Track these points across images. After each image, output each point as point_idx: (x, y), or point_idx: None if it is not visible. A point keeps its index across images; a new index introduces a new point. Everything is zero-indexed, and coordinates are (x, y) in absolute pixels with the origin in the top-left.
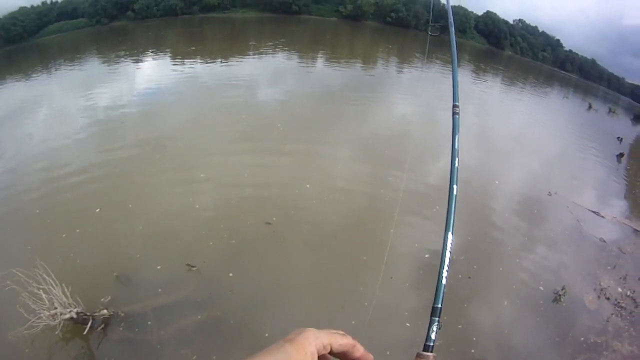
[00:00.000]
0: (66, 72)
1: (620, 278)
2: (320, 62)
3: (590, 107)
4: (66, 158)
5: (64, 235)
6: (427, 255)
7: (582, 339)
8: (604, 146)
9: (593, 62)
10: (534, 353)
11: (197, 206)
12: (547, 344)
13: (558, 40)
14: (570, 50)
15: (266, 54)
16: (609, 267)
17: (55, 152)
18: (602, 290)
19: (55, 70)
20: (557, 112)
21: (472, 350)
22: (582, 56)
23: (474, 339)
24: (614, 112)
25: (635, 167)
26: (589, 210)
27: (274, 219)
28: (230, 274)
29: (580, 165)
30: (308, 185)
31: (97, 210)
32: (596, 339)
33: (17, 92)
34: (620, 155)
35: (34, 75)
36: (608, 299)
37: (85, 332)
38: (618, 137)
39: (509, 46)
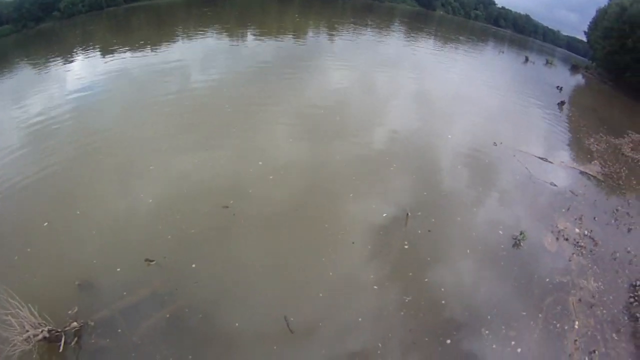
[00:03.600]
0: None
1: (575, 219)
2: (250, 39)
3: (527, 60)
4: (2, 176)
5: (16, 258)
6: (384, 215)
7: (548, 280)
8: (545, 96)
9: (527, 17)
10: (503, 298)
11: (150, 200)
12: (514, 288)
13: None
14: (502, 7)
15: (195, 37)
16: (563, 210)
17: None
18: (559, 232)
19: None
20: (494, 67)
21: (443, 302)
22: (515, 12)
23: (442, 290)
24: (551, 63)
25: (577, 113)
26: (536, 157)
27: (231, 201)
28: (193, 265)
29: (523, 115)
30: (261, 163)
31: (45, 224)
32: (561, 278)
33: None
34: (562, 103)
35: None
36: (567, 239)
37: (60, 350)
38: (557, 87)
39: (440, 6)
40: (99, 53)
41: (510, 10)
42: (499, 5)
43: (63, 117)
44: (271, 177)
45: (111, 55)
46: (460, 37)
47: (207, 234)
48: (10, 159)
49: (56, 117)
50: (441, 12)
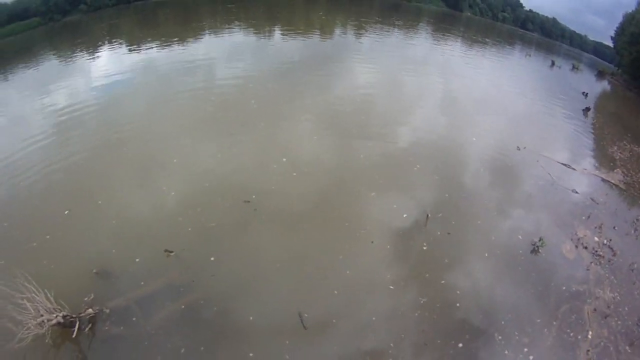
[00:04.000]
0: (23, 75)
1: (595, 227)
2: (277, 36)
3: (553, 64)
4: (27, 163)
5: (34, 244)
6: (405, 215)
7: (564, 287)
8: (570, 101)
9: (554, 20)
10: (518, 303)
11: (172, 193)
12: (530, 295)
13: (518, 0)
14: (530, 10)
15: (222, 32)
16: (583, 218)
17: (16, 158)
18: (579, 239)
19: (12, 74)
20: (521, 70)
21: (457, 304)
22: (542, 15)
23: (458, 292)
24: (577, 68)
25: (602, 120)
26: (559, 163)
27: (254, 196)
28: (212, 258)
29: (548, 120)
30: (284, 159)
31: (66, 212)
32: (578, 287)
33: None
34: (587, 109)
35: None
36: (586, 248)
37: (74, 335)
38: (583, 92)
39: (467, 8)
40: (125, 46)
41: (538, 14)
42: (527, 8)
43: (88, 109)
44: (294, 173)
45: (137, 49)
46: (487, 40)
47: (227, 227)
48: (35, 148)
49: (81, 108)
50: (468, 14)
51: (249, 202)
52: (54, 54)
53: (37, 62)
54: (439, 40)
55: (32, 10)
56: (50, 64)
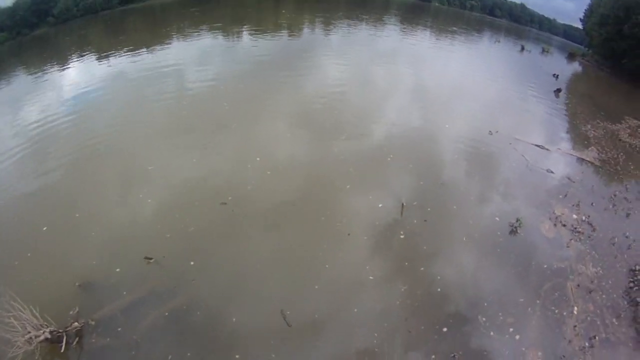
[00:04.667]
0: None
1: (573, 205)
2: (245, 37)
3: (523, 48)
4: (3, 183)
5: (16, 262)
6: (380, 205)
7: (546, 266)
8: (541, 84)
9: (522, 6)
10: (500, 285)
11: (149, 200)
12: (512, 275)
13: None
14: None
15: (190, 37)
16: (560, 196)
17: None
18: (557, 218)
19: None
20: (491, 57)
21: (438, 289)
22: (510, 1)
23: (438, 277)
24: (547, 51)
25: (574, 100)
26: (532, 144)
27: (230, 198)
28: (192, 263)
29: (519, 104)
30: (258, 159)
31: (44, 228)
32: (559, 264)
33: None
34: (558, 90)
35: None
36: (564, 225)
37: (62, 350)
38: (554, 74)
39: None
40: (95, 57)
41: (506, 0)
42: None
43: (60, 123)
44: (269, 172)
45: (107, 59)
46: (456, 28)
47: (205, 231)
48: (8, 166)
49: (53, 122)
50: (436, 4)
51: (225, 204)
52: (23, 69)
53: (7, 78)
54: (407, 32)
55: None
56: (20, 79)
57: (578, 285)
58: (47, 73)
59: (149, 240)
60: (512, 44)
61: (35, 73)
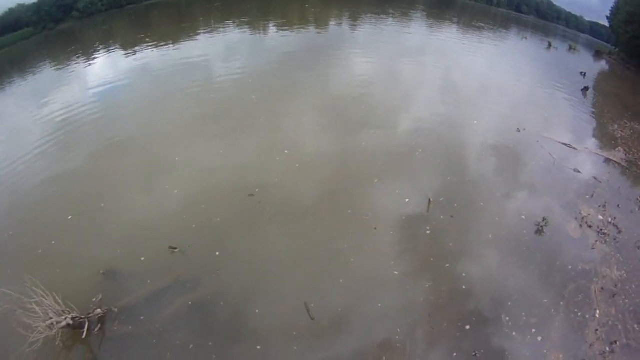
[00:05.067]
0: (20, 85)
1: (599, 206)
2: (272, 31)
3: (550, 45)
4: (28, 173)
5: (40, 251)
6: (407, 200)
7: (570, 267)
8: (568, 82)
9: (549, 2)
10: (524, 284)
11: (176, 191)
12: (536, 275)
13: None
14: None
15: (216, 30)
16: (587, 197)
17: (16, 168)
18: (583, 218)
19: (9, 85)
20: (518, 54)
21: (463, 287)
22: None
23: (463, 275)
24: (574, 49)
25: (601, 99)
26: (560, 143)
27: (257, 190)
28: (217, 253)
29: (547, 101)
30: (287, 151)
31: (69, 217)
32: (584, 266)
33: None
34: (585, 89)
35: None
36: (590, 226)
37: (84, 336)
38: (581, 72)
39: None
40: (120, 51)
41: None
42: None
43: (86, 115)
44: (297, 165)
45: (133, 53)
46: (483, 24)
47: (231, 222)
48: (35, 157)
49: (79, 114)
50: None
51: (252, 195)
52: (49, 63)
53: (33, 72)
54: (434, 28)
55: (24, 20)
56: (46, 73)
57: (602, 288)
58: (72, 66)
59: (175, 231)
60: (539, 40)
61: (61, 67)
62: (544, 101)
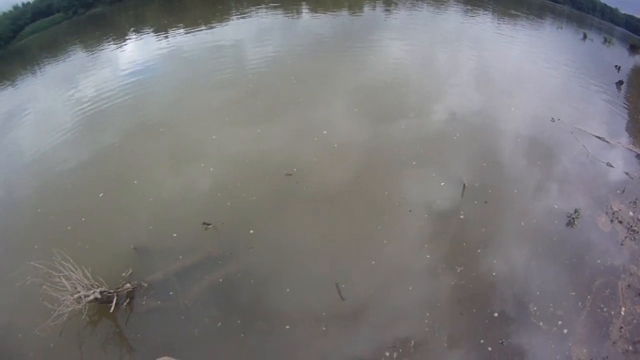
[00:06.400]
0: (51, 69)
1: (630, 202)
2: (305, 14)
3: (585, 37)
4: (60, 152)
5: (69, 228)
6: (442, 184)
7: (599, 261)
8: (603, 75)
9: None
10: (553, 275)
11: (212, 169)
12: (565, 266)
13: None
14: None
15: (249, 13)
16: (618, 191)
17: (48, 147)
18: (614, 213)
19: (40, 70)
20: (553, 43)
21: (493, 273)
22: None
23: (494, 261)
24: (609, 42)
25: (635, 94)
26: (593, 135)
27: (295, 169)
28: (251, 231)
29: (581, 93)
30: (325, 132)
31: (101, 195)
32: (612, 261)
33: (4, 100)
34: (620, 82)
35: (19, 80)
36: (620, 222)
37: (111, 310)
38: (616, 66)
39: None
40: (152, 34)
41: None
42: None
43: (119, 96)
44: (335, 145)
45: (165, 36)
46: (519, 13)
47: (267, 201)
48: (67, 137)
49: (112, 96)
50: None
51: (290, 175)
52: (80, 47)
53: (64, 56)
54: (470, 14)
55: (55, 5)
56: (77, 57)
57: (629, 286)
58: (103, 50)
59: (209, 208)
60: (574, 31)
61: (92, 50)
62: (578, 93)
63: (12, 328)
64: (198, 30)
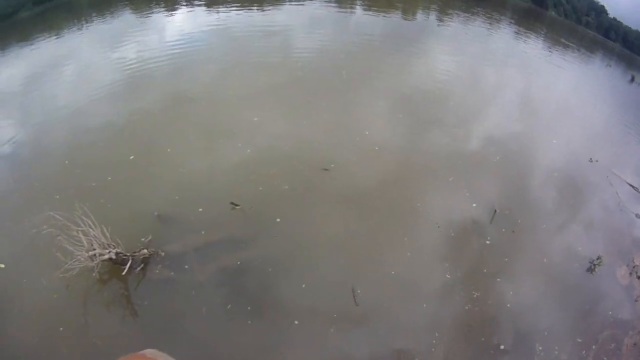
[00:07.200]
0: (97, 27)
1: None
2: (359, 11)
3: (632, 79)
4: (96, 110)
5: (94, 184)
6: (474, 205)
7: (610, 312)
8: None
9: (637, 32)
10: (564, 317)
11: (249, 151)
12: (577, 311)
13: (602, 7)
14: (614, 18)
15: (304, 2)
16: None
17: (84, 105)
18: (634, 267)
19: (86, 26)
20: (600, 80)
21: (508, 305)
22: (626, 25)
23: (511, 292)
24: None
25: None
26: (627, 183)
27: (332, 165)
28: (278, 220)
29: (623, 137)
30: (367, 132)
31: (131, 157)
32: (623, 316)
33: (48, 50)
34: None
35: (65, 32)
36: (639, 278)
37: (123, 273)
38: None
39: (552, 6)
40: (203, 7)
41: (621, 23)
42: (611, 16)
43: (162, 64)
44: (376, 148)
45: (217, 10)
46: (569, 43)
47: (299, 192)
48: (104, 96)
49: (155, 63)
50: (552, 13)
51: (327, 170)
52: (130, 10)
53: (111, 15)
54: (521, 37)
55: None
56: (125, 18)
57: (634, 344)
58: (152, 15)
59: (239, 189)
60: (623, 71)
61: (141, 13)
62: (620, 137)
63: (17, 272)
64: (250, 10)
